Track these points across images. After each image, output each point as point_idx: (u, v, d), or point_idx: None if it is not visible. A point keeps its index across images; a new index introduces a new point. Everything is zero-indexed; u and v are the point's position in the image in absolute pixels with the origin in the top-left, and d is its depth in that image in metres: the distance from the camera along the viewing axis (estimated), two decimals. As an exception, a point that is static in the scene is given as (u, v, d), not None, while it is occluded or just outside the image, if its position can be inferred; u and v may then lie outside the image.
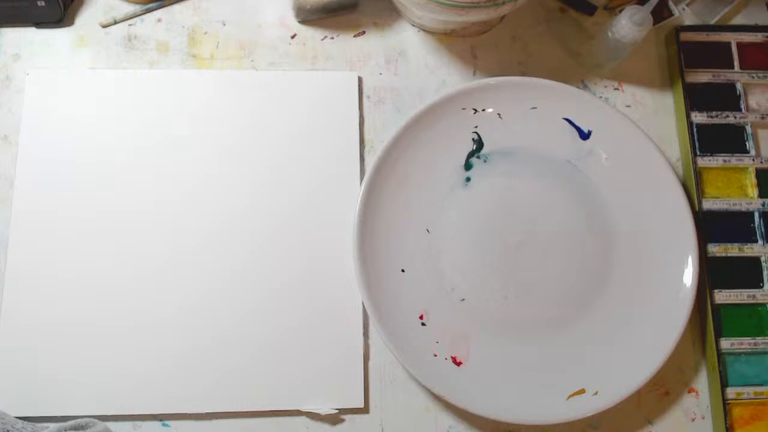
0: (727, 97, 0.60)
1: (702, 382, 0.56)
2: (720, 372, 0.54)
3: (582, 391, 0.53)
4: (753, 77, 0.61)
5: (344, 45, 0.61)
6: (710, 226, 0.57)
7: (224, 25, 0.60)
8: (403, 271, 0.55)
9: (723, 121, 0.60)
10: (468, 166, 0.57)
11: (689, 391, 0.56)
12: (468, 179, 0.57)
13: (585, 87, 0.61)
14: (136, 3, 0.60)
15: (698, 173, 0.58)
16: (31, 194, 0.55)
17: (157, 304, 0.54)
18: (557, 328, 0.55)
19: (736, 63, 0.61)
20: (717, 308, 0.56)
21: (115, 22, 0.60)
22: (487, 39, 0.62)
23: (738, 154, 0.59)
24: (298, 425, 0.53)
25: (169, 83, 0.58)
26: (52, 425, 0.47)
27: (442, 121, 0.57)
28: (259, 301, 0.54)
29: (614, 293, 0.56)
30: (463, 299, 0.55)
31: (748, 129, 0.60)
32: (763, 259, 0.57)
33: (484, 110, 0.58)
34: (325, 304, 0.55)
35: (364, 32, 0.61)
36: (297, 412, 0.53)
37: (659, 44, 0.63)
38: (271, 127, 0.58)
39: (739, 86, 0.60)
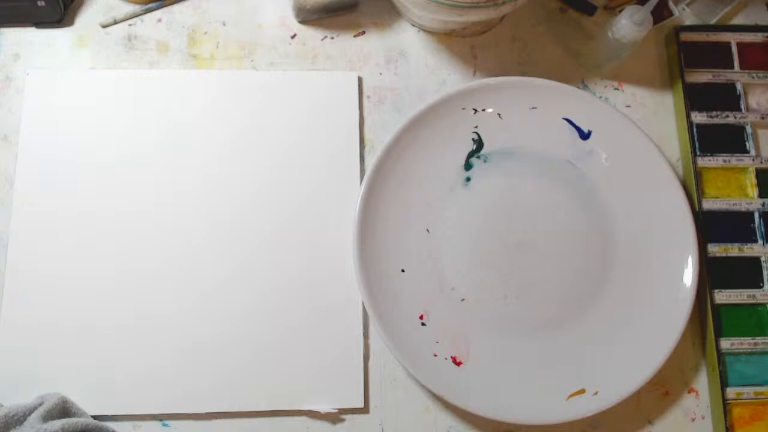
0: (727, 97, 0.60)
1: (702, 382, 0.56)
2: (720, 372, 0.54)
3: (582, 391, 0.53)
4: (753, 77, 0.61)
5: (344, 45, 0.61)
6: (710, 226, 0.57)
7: (224, 25, 0.60)
8: (403, 271, 0.55)
9: (723, 121, 0.60)
10: (468, 166, 0.57)
11: (689, 391, 0.56)
12: (468, 179, 0.57)
13: (585, 87, 0.61)
14: (136, 3, 0.60)
15: (698, 173, 0.58)
16: (31, 194, 0.55)
17: (157, 304, 0.54)
18: (557, 327, 0.55)
19: (736, 63, 0.61)
20: (717, 308, 0.56)
21: (115, 22, 0.60)
22: (487, 39, 0.62)
23: (738, 154, 0.59)
24: (298, 425, 0.53)
25: (169, 83, 0.58)
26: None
27: (442, 121, 0.57)
28: (259, 301, 0.54)
29: (614, 293, 0.55)
30: (463, 299, 0.55)
31: (748, 129, 0.60)
32: (763, 259, 0.57)
33: (484, 110, 0.58)
34: (325, 304, 0.55)
35: (364, 32, 0.61)
36: (297, 412, 0.53)
37: (659, 44, 0.63)
38: (271, 127, 0.58)
39: (739, 86, 0.60)
